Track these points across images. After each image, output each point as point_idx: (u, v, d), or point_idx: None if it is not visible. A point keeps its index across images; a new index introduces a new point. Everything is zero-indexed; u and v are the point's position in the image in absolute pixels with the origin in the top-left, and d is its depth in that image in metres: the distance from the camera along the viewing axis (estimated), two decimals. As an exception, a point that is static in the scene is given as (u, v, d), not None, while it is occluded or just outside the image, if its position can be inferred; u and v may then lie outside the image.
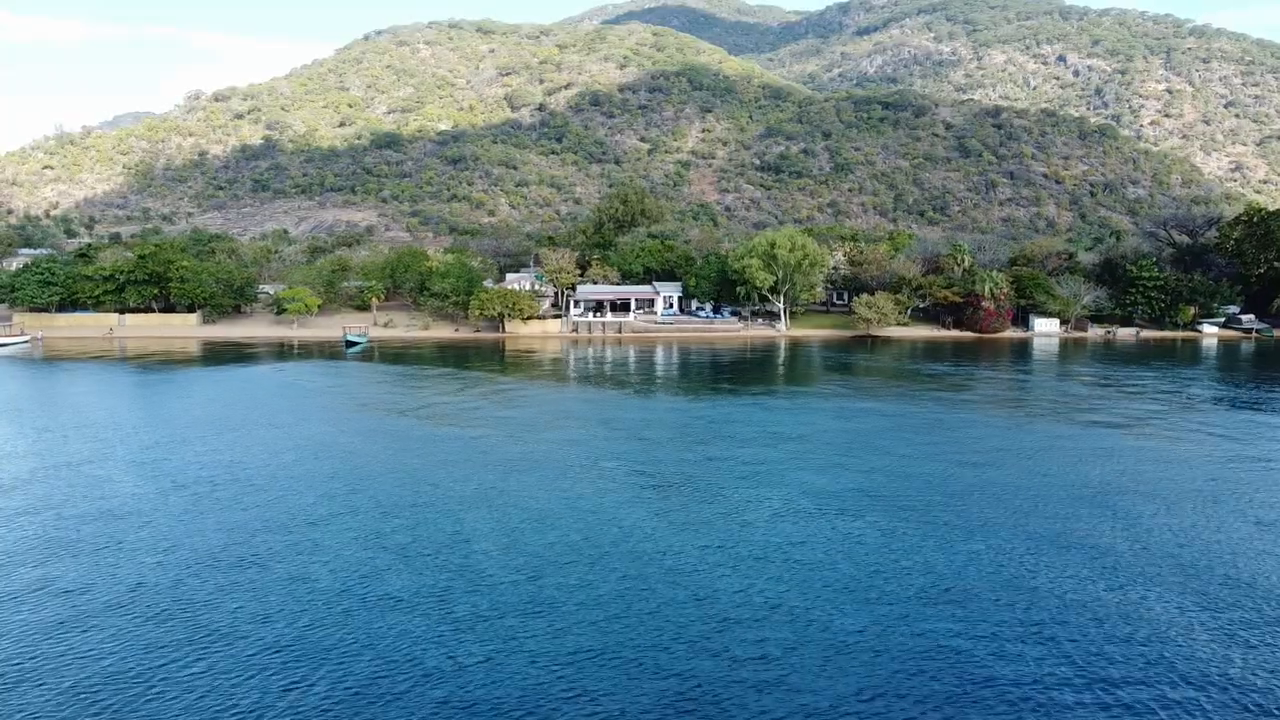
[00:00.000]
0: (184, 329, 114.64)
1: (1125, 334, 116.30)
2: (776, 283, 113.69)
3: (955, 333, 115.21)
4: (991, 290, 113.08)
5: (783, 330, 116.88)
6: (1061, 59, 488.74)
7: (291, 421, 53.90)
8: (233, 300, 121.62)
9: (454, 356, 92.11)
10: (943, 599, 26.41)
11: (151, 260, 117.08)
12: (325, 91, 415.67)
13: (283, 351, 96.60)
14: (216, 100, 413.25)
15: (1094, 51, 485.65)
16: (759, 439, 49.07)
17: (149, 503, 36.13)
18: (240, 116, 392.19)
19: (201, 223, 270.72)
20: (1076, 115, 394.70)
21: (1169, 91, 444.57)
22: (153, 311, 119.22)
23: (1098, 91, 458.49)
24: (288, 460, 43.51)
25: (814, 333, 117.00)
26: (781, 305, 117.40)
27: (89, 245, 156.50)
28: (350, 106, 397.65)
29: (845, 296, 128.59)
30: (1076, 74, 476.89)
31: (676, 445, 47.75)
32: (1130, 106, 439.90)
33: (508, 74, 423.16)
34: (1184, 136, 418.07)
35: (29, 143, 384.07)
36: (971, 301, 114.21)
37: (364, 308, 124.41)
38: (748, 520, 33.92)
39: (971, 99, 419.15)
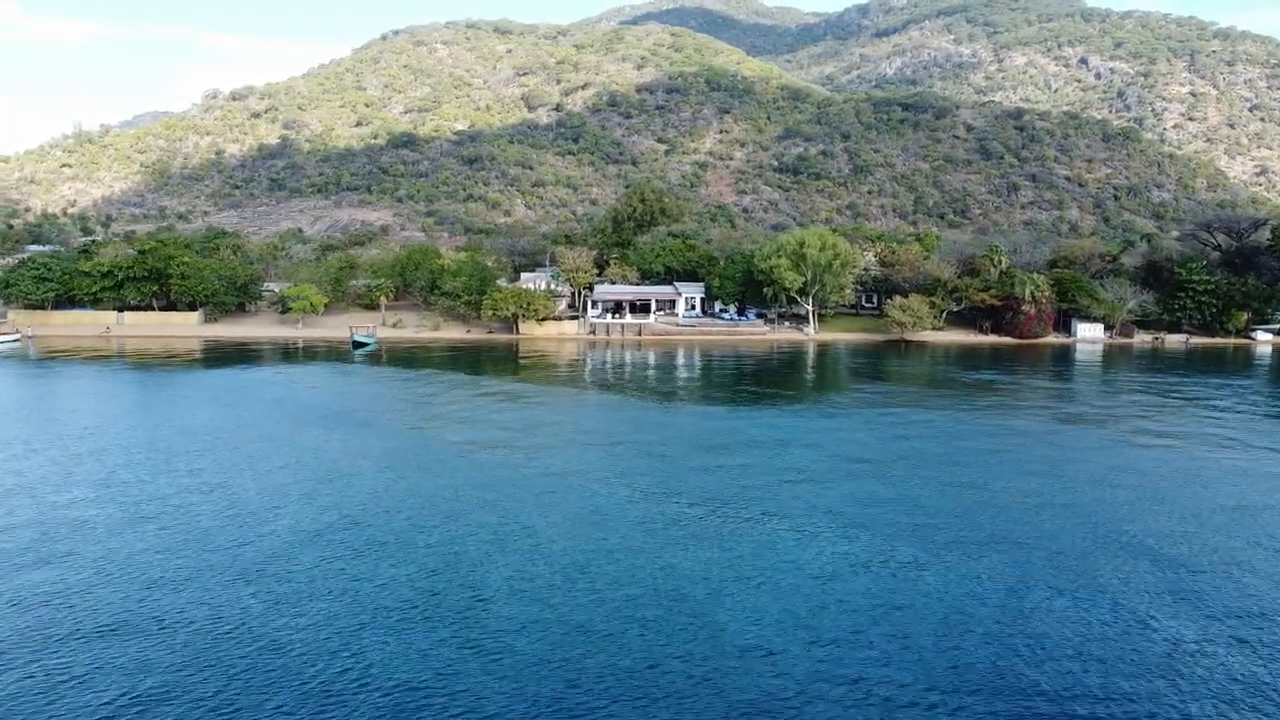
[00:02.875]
0: (184, 328, 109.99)
1: (1174, 340, 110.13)
2: (805, 284, 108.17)
3: (993, 338, 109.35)
4: (1033, 293, 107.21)
5: (811, 334, 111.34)
6: (1083, 61, 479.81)
7: (287, 435, 48.80)
8: (236, 298, 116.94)
9: (466, 359, 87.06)
10: (1069, 669, 20.96)
11: (151, 256, 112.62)
12: (342, 91, 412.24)
13: (287, 352, 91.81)
14: (234, 100, 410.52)
15: (1116, 54, 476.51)
16: (802, 456, 43.64)
17: (109, 538, 31.09)
18: (257, 116, 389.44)
19: (217, 221, 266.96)
20: (1099, 118, 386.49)
21: (1193, 94, 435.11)
22: (153, 309, 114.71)
23: (1120, 94, 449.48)
24: (278, 483, 38.37)
25: (844, 336, 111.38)
26: (810, 307, 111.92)
27: (92, 241, 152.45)
28: (367, 106, 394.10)
29: (875, 299, 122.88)
30: (1099, 76, 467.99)
31: (709, 463, 42.18)
32: (1154, 109, 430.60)
33: (525, 74, 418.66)
34: (1208, 140, 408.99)
35: (47, 141, 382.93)
36: (1011, 305, 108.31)
37: (372, 307, 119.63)
38: (814, 572, 28.48)
39: (992, 101, 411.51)
